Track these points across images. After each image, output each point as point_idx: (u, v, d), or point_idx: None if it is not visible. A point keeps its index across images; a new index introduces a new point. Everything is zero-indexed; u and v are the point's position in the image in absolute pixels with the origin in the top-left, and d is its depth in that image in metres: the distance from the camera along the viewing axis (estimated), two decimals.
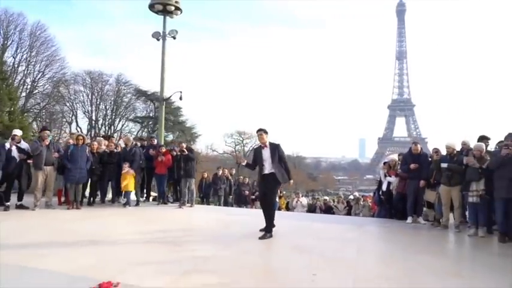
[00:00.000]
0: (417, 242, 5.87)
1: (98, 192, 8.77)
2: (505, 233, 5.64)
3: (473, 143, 6.59)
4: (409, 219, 7.17)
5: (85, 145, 8.00)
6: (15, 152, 7.36)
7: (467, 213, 6.69)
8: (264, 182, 5.77)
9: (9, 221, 6.38)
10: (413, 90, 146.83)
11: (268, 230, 5.60)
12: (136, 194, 8.67)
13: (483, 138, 6.73)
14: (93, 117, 38.71)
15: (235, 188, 11.55)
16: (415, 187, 7.13)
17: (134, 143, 9.20)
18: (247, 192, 11.50)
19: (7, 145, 7.30)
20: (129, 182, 8.39)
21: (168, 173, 8.82)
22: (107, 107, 40.93)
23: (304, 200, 13.09)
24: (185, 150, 8.51)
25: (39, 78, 34.78)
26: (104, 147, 8.74)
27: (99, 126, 39.64)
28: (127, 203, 8.36)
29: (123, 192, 8.66)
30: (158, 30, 16.50)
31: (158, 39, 16.98)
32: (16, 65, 32.53)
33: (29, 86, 34.37)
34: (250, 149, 52.33)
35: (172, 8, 16.89)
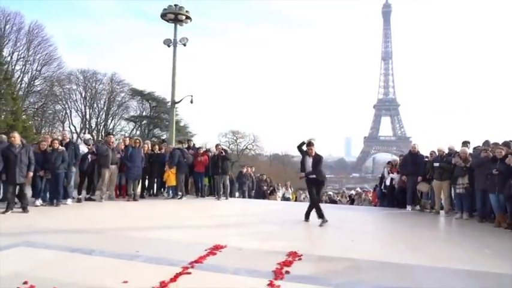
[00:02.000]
0: (417, 222, 7.68)
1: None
2: (482, 216, 7.52)
3: (457, 147, 8.49)
4: (409, 208, 9.01)
5: (141, 147, 9.57)
6: (84, 150, 8.88)
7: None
8: (308, 182, 7.27)
9: (92, 210, 7.93)
10: (398, 90, 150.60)
11: (307, 217, 7.18)
12: (180, 188, 10.22)
13: (465, 143, 8.67)
14: (87, 116, 39.15)
15: (256, 184, 13.26)
16: (413, 182, 8.96)
17: (173, 146, 10.80)
18: (265, 188, 13.24)
19: (82, 147, 8.81)
20: (171, 178, 9.98)
21: (204, 170, 10.44)
22: (100, 106, 41.21)
23: None
24: (223, 151, 10.16)
25: (36, 78, 34.97)
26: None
27: (92, 125, 40.01)
28: (180, 196, 9.97)
29: (166, 186, 10.28)
30: (169, 37, 17.76)
31: (169, 46, 18.36)
32: (13, 64, 32.37)
33: (26, 86, 34.61)
34: (244, 148, 53.94)
35: (183, 17, 18.38)
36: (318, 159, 7.04)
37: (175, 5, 18.15)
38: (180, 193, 10.25)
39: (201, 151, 10.54)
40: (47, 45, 34.67)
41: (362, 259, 4.62)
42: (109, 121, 41.45)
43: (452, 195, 8.44)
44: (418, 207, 9.01)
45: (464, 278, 4.01)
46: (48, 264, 4.12)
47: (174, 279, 3.71)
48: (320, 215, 6.92)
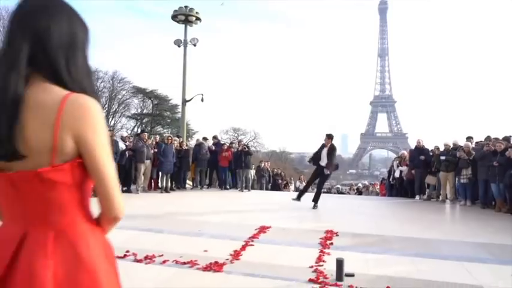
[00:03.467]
0: (426, 208, 8.62)
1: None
2: (484, 203, 8.49)
3: (461, 142, 9.46)
4: (417, 197, 9.97)
5: (172, 144, 10.45)
6: (122, 146, 9.75)
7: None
8: (318, 171, 8.33)
9: (135, 200, 8.81)
10: (395, 87, 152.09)
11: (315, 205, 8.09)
12: (195, 180, 11.23)
13: (469, 138, 9.64)
14: None
15: (272, 177, 14.22)
16: (420, 174, 9.92)
17: (200, 141, 11.70)
18: (280, 181, 14.21)
19: (120, 144, 9.66)
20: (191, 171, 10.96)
21: (228, 165, 11.36)
22: (101, 104, 41.85)
23: None
24: (246, 147, 11.08)
25: None
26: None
27: None
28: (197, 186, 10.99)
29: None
30: (179, 38, 18.59)
31: (179, 46, 19.19)
32: None
33: None
34: (246, 143, 54.91)
35: (194, 18, 19.24)
36: (331, 149, 8.04)
37: (185, 7, 19.05)
38: (194, 184, 11.39)
39: (225, 147, 11.44)
40: None
41: (388, 235, 5.55)
42: (110, 119, 42.09)
43: (457, 185, 9.41)
44: (425, 196, 9.97)
45: (474, 247, 4.95)
46: (134, 239, 4.99)
47: (243, 248, 4.61)
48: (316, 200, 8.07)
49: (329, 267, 3.82)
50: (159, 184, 10.66)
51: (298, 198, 8.25)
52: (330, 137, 8.11)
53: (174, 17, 19.02)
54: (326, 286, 3.37)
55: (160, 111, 44.45)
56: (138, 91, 43.07)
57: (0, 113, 0.87)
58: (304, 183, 16.38)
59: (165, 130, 41.94)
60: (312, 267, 3.91)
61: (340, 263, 3.56)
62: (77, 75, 0.98)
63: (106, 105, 41.61)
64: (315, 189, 8.54)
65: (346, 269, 3.60)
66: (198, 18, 19.37)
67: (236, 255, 4.31)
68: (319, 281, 3.51)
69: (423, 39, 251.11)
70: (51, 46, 0.94)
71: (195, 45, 19.08)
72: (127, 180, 10.02)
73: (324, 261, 4.13)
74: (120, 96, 42.95)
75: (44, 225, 0.93)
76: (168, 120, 44.79)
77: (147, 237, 5.17)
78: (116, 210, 1.01)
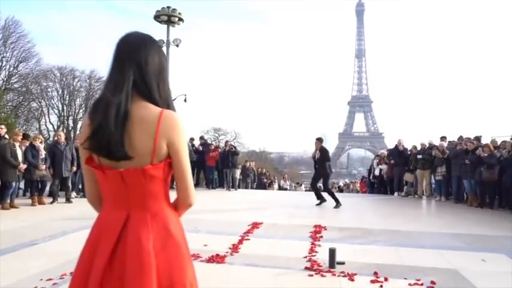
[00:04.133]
0: (405, 204, 9.18)
1: None
2: (457, 198, 9.12)
3: (436, 142, 10.10)
4: (396, 194, 10.54)
5: None
6: None
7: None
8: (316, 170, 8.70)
9: None
10: (371, 88, 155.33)
11: (337, 202, 8.31)
12: None
13: (443, 138, 10.30)
14: (63, 114, 38.37)
15: (257, 177, 14.58)
16: (399, 172, 10.49)
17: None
18: (265, 180, 14.58)
19: None
20: None
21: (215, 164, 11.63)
22: (78, 103, 40.50)
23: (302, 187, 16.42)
24: (233, 147, 11.38)
25: (12, 75, 33.80)
26: None
27: (70, 123, 39.24)
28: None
29: None
30: (161, 38, 18.62)
31: (161, 46, 19.30)
32: None
33: (2, 83, 33.73)
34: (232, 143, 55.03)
35: (176, 18, 19.36)
36: (322, 152, 8.51)
37: (167, 7, 19.14)
38: None
39: (212, 147, 11.70)
40: (25, 41, 33.64)
41: (372, 228, 6.00)
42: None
43: (432, 182, 10.03)
44: (404, 193, 10.55)
45: (450, 237, 5.45)
46: None
47: (240, 242, 4.93)
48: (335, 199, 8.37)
49: (321, 257, 4.19)
50: None
51: (320, 201, 8.51)
52: (319, 140, 8.53)
53: (157, 17, 19.07)
54: (321, 273, 3.73)
55: None
56: None
57: (114, 125, 1.17)
58: (288, 182, 16.97)
59: None
60: (306, 257, 4.26)
61: (332, 252, 3.93)
62: (164, 95, 1.29)
63: (83, 105, 40.68)
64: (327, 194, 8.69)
65: (337, 258, 3.98)
66: (180, 19, 19.46)
67: (235, 248, 4.62)
68: (314, 268, 3.87)
69: (399, 41, 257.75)
70: (148, 74, 1.25)
71: (177, 45, 19.16)
72: None
73: (316, 251, 4.50)
74: (97, 96, 42.08)
75: (143, 209, 1.23)
76: None
77: None
78: (191, 199, 1.32)
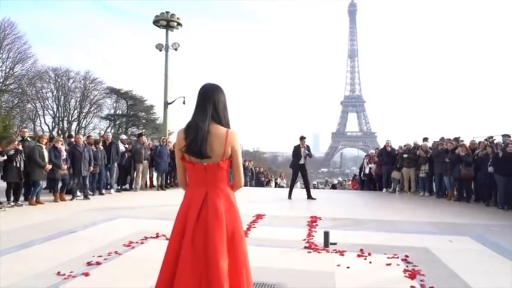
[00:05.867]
0: (393, 199, 10.11)
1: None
2: (439, 193, 10.07)
3: (420, 142, 11.05)
4: (384, 190, 11.48)
5: (167, 145, 11.42)
6: (122, 148, 10.64)
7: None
8: (300, 168, 9.66)
9: (138, 196, 9.74)
10: (364, 87, 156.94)
11: (310, 196, 9.48)
12: None
13: (425, 139, 11.27)
14: (58, 115, 38.90)
15: (255, 175, 15.46)
16: (387, 170, 11.42)
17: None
18: (263, 178, 15.45)
19: (121, 146, 10.55)
20: None
21: None
22: (72, 104, 40.22)
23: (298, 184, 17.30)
24: None
25: (8, 77, 34.36)
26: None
27: (64, 123, 39.18)
28: None
29: None
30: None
31: (161, 50, 20.05)
32: None
33: (0, 84, 33.65)
34: None
35: (175, 23, 20.13)
36: (308, 147, 9.71)
37: (166, 12, 19.90)
38: None
39: None
40: (21, 43, 34.14)
41: (362, 218, 6.90)
42: (82, 119, 41.07)
43: (417, 179, 10.98)
44: (391, 189, 11.48)
45: (427, 225, 6.37)
46: (156, 225, 6.01)
47: (248, 229, 5.77)
48: (309, 194, 9.56)
49: (317, 240, 5.05)
50: (154, 182, 11.60)
51: (289, 196, 9.63)
52: (304, 138, 9.55)
53: (156, 22, 19.82)
54: (318, 250, 4.60)
55: (135, 112, 44.43)
56: (112, 91, 42.75)
57: (201, 139, 2.01)
58: (285, 180, 17.86)
59: (140, 131, 41.88)
60: (304, 240, 5.13)
61: (326, 234, 4.81)
62: (226, 121, 2.14)
63: (78, 106, 40.88)
64: (304, 186, 9.86)
65: (330, 239, 4.84)
66: (179, 24, 20.24)
67: (245, 234, 5.47)
68: (312, 247, 4.73)
69: (391, 41, 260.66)
70: (219, 108, 2.10)
71: (176, 49, 19.93)
72: (126, 179, 10.94)
73: (313, 236, 5.37)
74: (92, 97, 42.40)
75: (216, 187, 2.08)
76: (144, 121, 44.69)
77: (166, 223, 6.21)
78: (241, 183, 2.18)
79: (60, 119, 39.78)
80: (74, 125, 40.26)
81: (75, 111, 41.47)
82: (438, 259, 4.29)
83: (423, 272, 3.74)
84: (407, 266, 3.95)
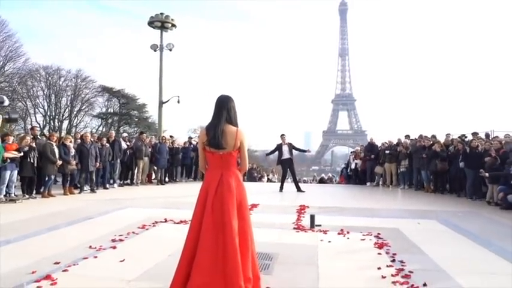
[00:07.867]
0: (375, 192, 11.02)
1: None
2: (417, 186, 11.01)
3: (402, 139, 11.98)
4: (368, 184, 12.40)
5: (166, 143, 12.16)
6: (124, 145, 11.35)
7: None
8: (288, 162, 10.49)
9: (140, 190, 10.47)
10: (355, 86, 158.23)
11: (299, 189, 10.33)
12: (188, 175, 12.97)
13: (407, 136, 12.20)
14: (49, 113, 38.79)
15: (248, 171, 16.25)
16: (371, 165, 12.34)
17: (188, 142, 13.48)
18: (255, 174, 16.27)
19: (123, 143, 11.25)
20: None
21: None
22: (63, 103, 39.64)
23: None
24: None
25: (0, 75, 33.99)
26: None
27: (55, 122, 38.98)
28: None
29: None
30: (155, 43, 19.95)
31: (155, 51, 20.67)
32: None
33: None
34: None
35: (169, 24, 20.77)
36: (291, 145, 10.47)
37: (161, 13, 20.53)
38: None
39: None
40: (12, 41, 34.08)
41: (346, 207, 7.76)
42: (73, 118, 40.98)
43: (398, 173, 11.91)
44: (375, 183, 12.40)
45: (403, 212, 7.26)
46: (163, 213, 6.77)
47: None
48: (298, 187, 10.45)
49: (305, 223, 5.88)
50: (153, 177, 12.32)
51: (281, 189, 10.45)
52: (284, 135, 10.51)
53: (151, 24, 20.42)
54: (305, 230, 5.43)
55: (128, 111, 44.59)
56: (104, 90, 42.79)
57: (218, 136, 2.81)
58: (276, 176, 18.69)
59: (133, 129, 42.09)
60: (294, 223, 5.96)
61: (312, 217, 5.65)
62: (236, 122, 2.94)
63: (69, 104, 40.79)
64: (292, 180, 10.70)
65: (316, 222, 5.67)
66: (173, 25, 20.87)
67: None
68: (300, 228, 5.57)
69: (381, 40, 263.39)
70: (232, 113, 2.91)
71: (170, 50, 20.56)
72: (128, 174, 11.65)
73: (301, 220, 6.20)
74: (83, 95, 42.36)
75: (228, 170, 2.88)
76: (136, 120, 44.71)
77: (168, 213, 6.99)
78: (246, 167, 3.01)
79: (51, 117, 39.46)
80: (65, 124, 40.16)
81: (67, 110, 41.00)
82: (405, 236, 5.16)
83: (390, 244, 4.60)
84: (377, 240, 4.80)
